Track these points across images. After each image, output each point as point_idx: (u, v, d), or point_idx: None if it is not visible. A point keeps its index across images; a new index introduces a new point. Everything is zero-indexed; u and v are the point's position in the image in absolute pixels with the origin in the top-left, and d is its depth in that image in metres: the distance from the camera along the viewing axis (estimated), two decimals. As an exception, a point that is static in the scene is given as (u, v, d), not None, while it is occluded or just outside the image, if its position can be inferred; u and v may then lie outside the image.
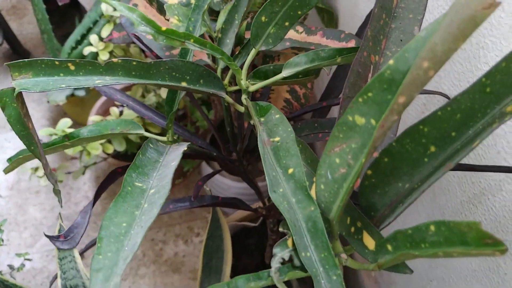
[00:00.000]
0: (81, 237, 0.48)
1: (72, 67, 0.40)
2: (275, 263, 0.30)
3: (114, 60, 0.41)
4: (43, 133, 0.86)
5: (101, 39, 0.91)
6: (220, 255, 0.79)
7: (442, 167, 0.32)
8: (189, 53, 0.48)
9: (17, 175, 1.39)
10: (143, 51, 1.02)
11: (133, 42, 0.70)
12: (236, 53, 0.57)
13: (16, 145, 1.45)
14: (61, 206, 0.47)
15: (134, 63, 0.42)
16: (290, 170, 0.36)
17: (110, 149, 0.87)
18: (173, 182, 1.20)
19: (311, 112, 0.66)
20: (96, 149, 0.83)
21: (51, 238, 0.49)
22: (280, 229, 0.35)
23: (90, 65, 0.41)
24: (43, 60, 0.39)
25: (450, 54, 0.25)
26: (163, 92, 0.92)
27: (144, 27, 0.35)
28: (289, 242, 0.33)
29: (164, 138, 0.55)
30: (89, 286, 0.25)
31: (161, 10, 0.56)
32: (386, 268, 0.32)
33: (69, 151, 0.83)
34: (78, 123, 1.38)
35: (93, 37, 0.90)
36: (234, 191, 1.09)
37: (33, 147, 0.42)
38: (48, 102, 1.08)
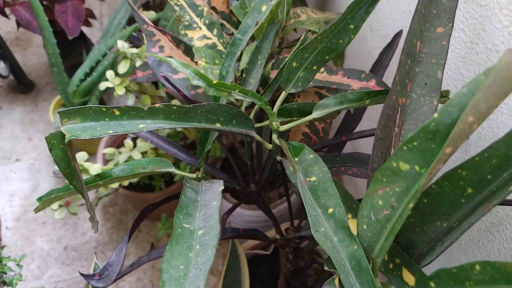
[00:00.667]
0: (117, 275, 0.49)
1: (117, 113, 0.42)
2: (327, 303, 0.32)
3: (156, 105, 0.43)
4: (60, 166, 0.87)
5: (116, 74, 0.94)
6: (238, 286, 0.80)
7: (480, 208, 0.34)
8: (220, 100, 0.51)
9: (23, 206, 1.39)
10: (154, 84, 1.05)
11: (156, 81, 0.72)
12: (261, 92, 0.60)
13: (21, 176, 1.46)
14: (96, 232, 0.48)
15: (174, 107, 0.44)
16: (330, 210, 0.38)
17: (126, 182, 0.88)
18: None
19: (328, 147, 0.68)
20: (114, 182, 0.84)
21: (86, 276, 0.50)
22: (326, 268, 0.36)
23: (133, 110, 0.43)
24: (91, 107, 0.41)
25: (492, 110, 0.27)
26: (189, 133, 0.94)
27: (197, 81, 0.37)
28: (336, 281, 0.34)
29: (193, 175, 0.57)
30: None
31: (187, 52, 0.59)
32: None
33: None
34: (88, 153, 1.39)
35: (109, 73, 0.93)
36: (245, 219, 1.10)
37: (76, 182, 0.44)
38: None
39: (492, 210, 0.57)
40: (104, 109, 0.41)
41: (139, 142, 0.99)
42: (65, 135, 0.40)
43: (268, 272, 1.06)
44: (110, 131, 0.41)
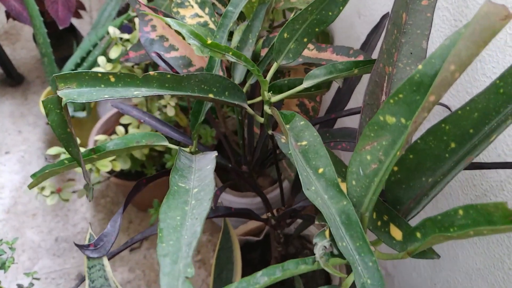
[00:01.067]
0: (112, 245, 0.50)
1: (113, 79, 0.43)
2: (318, 250, 0.33)
3: (151, 73, 0.44)
4: (52, 151, 0.88)
5: (108, 60, 0.94)
6: (230, 267, 0.81)
7: (462, 161, 0.35)
8: (215, 67, 0.52)
9: (13, 198, 1.38)
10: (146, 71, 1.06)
11: (149, 61, 0.73)
12: (252, 69, 0.61)
13: (11, 168, 1.45)
14: (90, 200, 0.49)
15: (169, 76, 0.45)
16: (320, 170, 0.40)
17: (118, 167, 0.89)
18: None
19: (318, 124, 0.70)
20: (105, 166, 0.85)
21: (81, 247, 0.51)
22: (316, 222, 0.38)
23: (128, 77, 0.44)
24: (87, 72, 0.42)
25: (472, 58, 0.29)
26: (169, 111, 0.95)
27: (192, 41, 0.38)
28: (327, 233, 0.36)
29: (186, 149, 0.58)
30: (160, 269, 0.28)
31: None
32: (414, 255, 0.36)
33: (79, 170, 0.84)
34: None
35: (101, 59, 0.93)
36: (236, 206, 1.11)
37: (71, 148, 0.45)
38: (48, 123, 1.10)
39: (477, 183, 0.59)
40: (100, 74, 0.42)
41: (130, 128, 0.99)
42: (61, 99, 0.41)
43: (260, 258, 1.08)
44: (106, 96, 0.42)
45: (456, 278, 0.67)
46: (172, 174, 0.39)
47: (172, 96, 1.02)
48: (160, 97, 1.03)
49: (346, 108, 0.72)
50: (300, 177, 0.39)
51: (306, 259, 0.33)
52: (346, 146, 0.58)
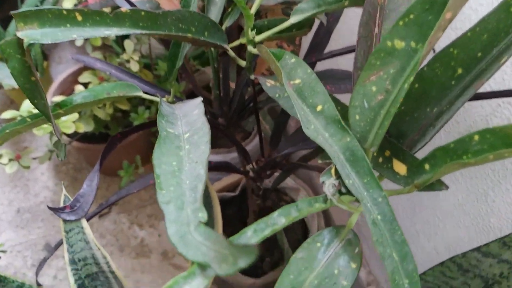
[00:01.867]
0: (90, 205, 0.46)
1: (80, 18, 0.38)
2: (328, 188, 0.31)
3: (123, 9, 0.39)
4: (7, 115, 0.80)
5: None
6: (211, 223, 0.79)
7: (469, 88, 0.34)
8: (191, 4, 0.47)
9: (-35, 171, 1.28)
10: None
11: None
12: (228, 11, 0.57)
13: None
14: (61, 160, 0.45)
15: (143, 13, 0.40)
16: (319, 107, 0.37)
17: (82, 128, 0.83)
18: (147, 156, 1.15)
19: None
20: (68, 128, 0.79)
21: (55, 210, 0.46)
22: (319, 161, 0.36)
23: (97, 15, 0.39)
24: (50, 10, 0.36)
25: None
26: (133, 66, 0.88)
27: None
28: (332, 171, 0.34)
29: (163, 99, 0.54)
30: (165, 217, 0.25)
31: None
32: (422, 188, 0.34)
33: (39, 132, 0.78)
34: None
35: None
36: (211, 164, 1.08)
37: (37, 100, 0.40)
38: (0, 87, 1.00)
39: (460, 119, 0.59)
40: (65, 12, 0.37)
41: (91, 87, 0.92)
42: (22, 41, 0.35)
43: (237, 214, 1.07)
44: (74, 36, 0.37)
45: (437, 216, 0.69)
46: (159, 119, 0.36)
47: (134, 50, 0.95)
48: (122, 51, 0.96)
49: (326, 51, 0.69)
50: (298, 116, 0.37)
51: (318, 198, 0.31)
52: (331, 88, 0.56)
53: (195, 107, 0.40)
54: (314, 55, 0.65)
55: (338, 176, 0.34)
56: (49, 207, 0.46)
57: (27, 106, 0.81)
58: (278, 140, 0.74)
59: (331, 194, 0.30)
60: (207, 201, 0.78)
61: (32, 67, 0.38)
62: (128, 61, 0.89)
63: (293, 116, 0.44)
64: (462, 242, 0.64)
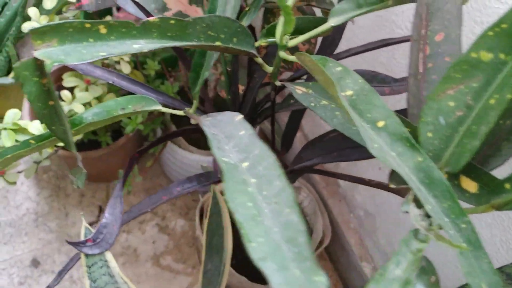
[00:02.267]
0: (116, 236, 0.41)
1: (104, 30, 0.33)
2: (417, 220, 0.28)
3: (150, 19, 0.34)
4: None
5: (41, 12, 0.78)
6: (221, 232, 0.75)
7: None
8: (217, 8, 0.43)
9: None
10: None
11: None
12: (246, 10, 0.52)
13: None
14: (79, 187, 0.40)
15: (172, 21, 0.36)
16: (380, 123, 0.34)
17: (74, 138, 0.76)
18: (144, 165, 1.09)
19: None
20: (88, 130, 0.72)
21: (76, 244, 0.41)
22: (391, 186, 0.32)
23: (123, 26, 0.34)
24: (71, 23, 0.31)
25: None
26: (124, 67, 0.82)
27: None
28: (410, 197, 0.31)
29: (180, 112, 0.49)
30: (268, 278, 0.20)
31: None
32: (505, 208, 0.32)
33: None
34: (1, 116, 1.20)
35: (32, 11, 0.76)
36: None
37: (55, 127, 0.35)
38: None
39: None
40: (87, 25, 0.32)
41: (77, 92, 0.85)
42: (40, 62, 0.30)
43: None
44: (102, 54, 0.32)
45: None
46: (212, 145, 0.31)
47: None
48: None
49: (337, 50, 0.65)
50: (360, 132, 0.33)
51: (410, 240, 0.27)
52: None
53: (239, 126, 0.36)
54: (328, 54, 0.61)
55: (417, 203, 0.30)
56: (68, 242, 0.41)
57: (11, 117, 0.74)
58: (289, 146, 0.70)
59: (426, 229, 0.27)
60: (217, 210, 0.74)
61: (51, 90, 0.32)
62: (118, 62, 0.82)
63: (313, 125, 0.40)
64: None
